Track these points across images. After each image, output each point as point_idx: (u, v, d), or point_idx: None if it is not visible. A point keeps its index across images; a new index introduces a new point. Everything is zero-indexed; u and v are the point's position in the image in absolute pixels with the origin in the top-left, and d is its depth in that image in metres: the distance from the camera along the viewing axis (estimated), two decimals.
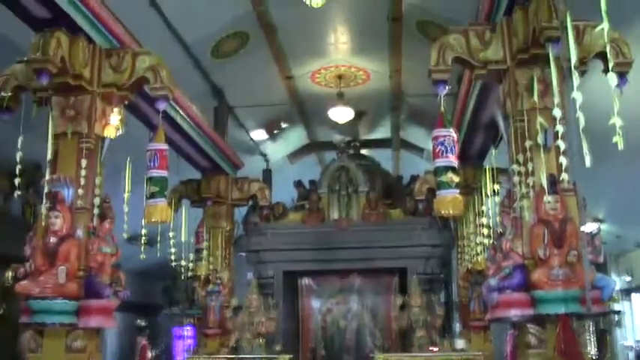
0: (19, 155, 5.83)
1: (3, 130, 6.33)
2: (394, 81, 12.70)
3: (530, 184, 5.49)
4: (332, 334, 12.12)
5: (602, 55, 5.42)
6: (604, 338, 13.50)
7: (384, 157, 15.62)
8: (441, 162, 5.65)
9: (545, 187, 5.23)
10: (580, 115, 3.88)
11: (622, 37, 5.49)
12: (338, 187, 11.77)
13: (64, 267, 5.49)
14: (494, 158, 7.27)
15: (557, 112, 4.65)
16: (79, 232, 5.78)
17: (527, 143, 5.53)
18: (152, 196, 6.01)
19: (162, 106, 6.17)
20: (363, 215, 11.52)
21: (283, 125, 14.82)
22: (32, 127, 5.92)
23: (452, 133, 5.73)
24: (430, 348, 9.46)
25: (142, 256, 7.93)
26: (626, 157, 7.15)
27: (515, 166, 5.66)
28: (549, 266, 5.21)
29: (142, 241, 7.21)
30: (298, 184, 12.68)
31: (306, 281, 12.37)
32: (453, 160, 5.65)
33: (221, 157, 10.47)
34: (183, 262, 9.27)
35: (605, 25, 3.48)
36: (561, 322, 5.10)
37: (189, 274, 9.75)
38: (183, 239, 8.96)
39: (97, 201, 5.98)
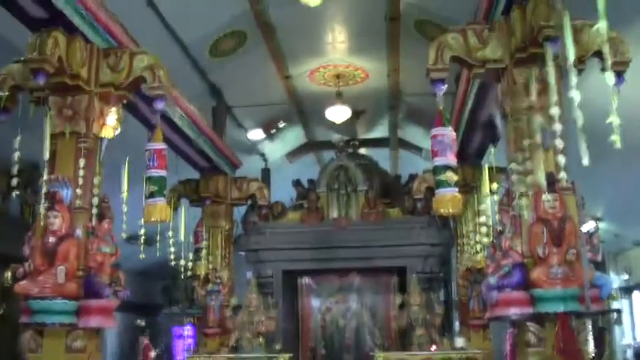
0: (17, 155, 5.82)
1: (0, 130, 6.31)
2: (392, 80, 12.71)
3: (529, 182, 5.48)
4: (331, 333, 12.13)
5: (599, 54, 5.40)
6: (603, 336, 13.50)
7: (382, 157, 15.63)
8: (439, 161, 5.65)
9: (544, 185, 5.23)
10: (578, 113, 3.88)
11: (620, 36, 5.50)
12: (337, 187, 11.78)
13: (63, 267, 5.48)
14: (493, 157, 7.26)
15: (555, 111, 4.64)
16: (78, 232, 5.78)
17: (526, 142, 5.53)
18: (151, 195, 6.02)
19: (160, 105, 6.16)
20: (362, 214, 11.53)
21: (281, 125, 14.82)
22: (30, 126, 5.91)
23: (450, 132, 5.73)
24: (430, 347, 9.47)
25: (142, 255, 7.92)
26: (624, 156, 7.15)
27: (513, 165, 5.66)
28: (548, 265, 5.21)
29: (141, 241, 7.20)
30: (297, 183, 12.69)
31: (305, 280, 12.37)
32: (451, 158, 5.66)
33: (219, 156, 10.47)
34: (182, 262, 9.27)
35: (602, 24, 3.48)
36: (560, 320, 5.10)
37: (189, 273, 9.75)
38: (182, 239, 8.96)
39: (95, 201, 5.97)
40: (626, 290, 14.99)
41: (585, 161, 3.71)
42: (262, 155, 15.36)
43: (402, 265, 11.21)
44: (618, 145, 3.48)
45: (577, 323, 5.32)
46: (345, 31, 11.31)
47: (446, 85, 5.87)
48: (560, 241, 5.22)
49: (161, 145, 6.13)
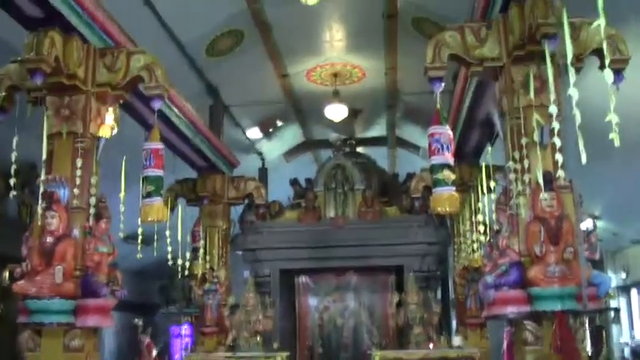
0: (14, 155, 5.81)
1: None
2: (390, 78, 12.71)
3: (527, 181, 5.48)
4: (329, 332, 12.14)
5: (598, 52, 5.42)
6: (600, 335, 13.52)
7: (379, 155, 15.63)
8: (437, 159, 5.64)
9: (542, 184, 5.23)
10: (576, 112, 3.88)
11: (619, 34, 5.49)
12: (334, 185, 11.78)
13: (60, 267, 5.48)
14: (490, 155, 7.26)
15: (553, 109, 4.64)
16: (76, 232, 5.76)
17: (524, 140, 5.52)
18: (148, 195, 6.01)
19: (157, 105, 6.15)
20: (360, 213, 11.53)
21: (279, 124, 14.82)
22: (27, 127, 5.90)
23: (448, 130, 5.72)
24: (427, 345, 9.48)
25: (139, 255, 7.92)
26: (623, 154, 7.17)
27: (511, 164, 5.65)
28: (545, 263, 5.20)
29: (139, 241, 7.19)
30: (294, 182, 12.68)
31: (302, 279, 12.37)
32: (449, 157, 5.64)
33: (217, 155, 10.46)
34: (180, 261, 9.26)
35: (601, 22, 3.47)
36: (557, 319, 5.10)
37: (186, 272, 9.74)
38: (179, 238, 8.95)
39: (92, 200, 5.96)
40: (624, 289, 15.00)
41: (583, 159, 3.71)
42: (260, 154, 15.35)
43: (400, 263, 11.23)
44: (617, 143, 3.48)
45: (574, 322, 5.32)
46: (342, 29, 11.30)
47: (443, 84, 5.86)
48: (557, 239, 5.22)
49: (158, 145, 6.12)
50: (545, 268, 5.19)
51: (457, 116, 8.63)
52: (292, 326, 12.10)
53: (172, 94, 7.89)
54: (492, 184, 6.78)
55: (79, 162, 5.88)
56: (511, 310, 5.39)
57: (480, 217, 7.43)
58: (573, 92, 3.86)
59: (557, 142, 4.91)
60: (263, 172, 14.90)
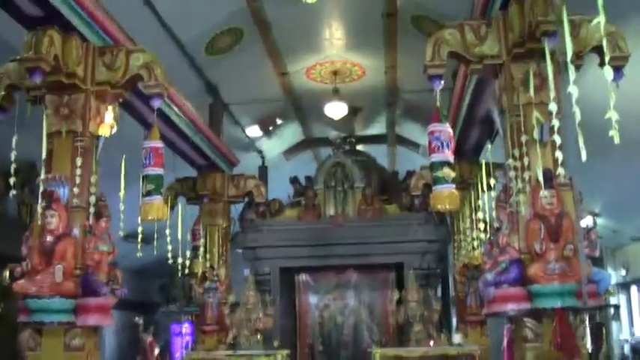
0: (13, 154, 5.81)
1: None
2: (389, 76, 12.70)
3: (527, 178, 5.48)
4: (329, 330, 12.13)
5: (598, 49, 5.42)
6: (600, 332, 13.53)
7: (379, 153, 15.62)
8: (436, 157, 5.65)
9: (542, 181, 5.23)
10: (576, 109, 3.88)
11: (618, 31, 5.49)
12: (334, 183, 11.77)
13: (60, 266, 5.48)
14: (490, 153, 7.26)
15: (553, 107, 4.64)
16: (76, 231, 5.77)
17: (523, 138, 5.53)
18: (148, 193, 6.02)
19: (156, 103, 6.15)
20: (359, 211, 11.53)
21: (278, 122, 14.81)
22: (26, 126, 5.90)
23: (447, 128, 5.72)
24: (427, 343, 9.48)
25: (139, 254, 7.92)
26: (623, 152, 7.17)
27: (511, 161, 5.66)
28: (545, 260, 5.21)
29: (139, 239, 7.19)
30: (294, 180, 12.68)
31: (302, 277, 12.37)
32: (448, 155, 5.65)
33: (216, 154, 10.46)
34: (180, 260, 9.26)
35: (601, 19, 3.47)
36: (558, 316, 5.11)
37: (187, 271, 9.74)
38: (179, 237, 8.95)
39: (92, 199, 5.96)
40: (624, 286, 15.00)
41: (583, 157, 3.71)
42: (259, 152, 15.34)
43: (400, 261, 11.23)
44: (617, 140, 3.48)
45: (574, 319, 5.33)
46: (341, 27, 11.29)
47: (443, 81, 5.86)
48: (557, 236, 5.22)
49: (158, 144, 6.13)
50: (545, 266, 5.19)
51: (457, 114, 8.63)
52: (292, 324, 12.10)
53: (172, 93, 7.88)
54: (492, 181, 6.78)
55: (78, 161, 5.88)
56: (511, 308, 5.40)
57: (480, 215, 7.43)
58: (573, 90, 3.86)
59: (557, 139, 4.91)
60: (263, 171, 14.89)
